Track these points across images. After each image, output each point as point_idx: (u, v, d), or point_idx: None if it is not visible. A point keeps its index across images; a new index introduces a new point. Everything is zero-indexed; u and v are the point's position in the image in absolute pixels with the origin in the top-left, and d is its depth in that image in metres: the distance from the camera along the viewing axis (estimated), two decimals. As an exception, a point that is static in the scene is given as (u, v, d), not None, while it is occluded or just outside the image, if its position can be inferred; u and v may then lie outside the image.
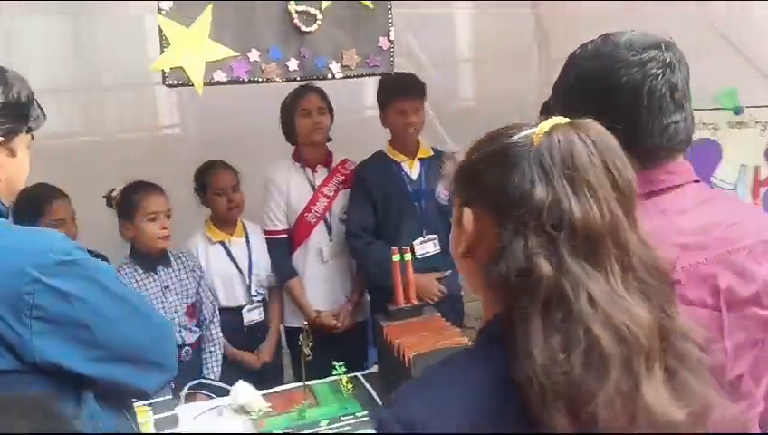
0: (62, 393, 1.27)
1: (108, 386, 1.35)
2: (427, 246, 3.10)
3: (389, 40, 2.63)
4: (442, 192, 3.07)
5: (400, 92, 3.02)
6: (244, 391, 2.34)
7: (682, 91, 1.18)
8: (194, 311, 2.84)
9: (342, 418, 2.24)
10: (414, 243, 3.04)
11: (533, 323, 0.80)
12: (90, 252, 2.37)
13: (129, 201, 2.69)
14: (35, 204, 2.58)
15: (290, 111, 3.11)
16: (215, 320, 2.88)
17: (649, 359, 0.80)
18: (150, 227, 2.67)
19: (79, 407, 1.31)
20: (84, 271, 1.31)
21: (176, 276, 2.78)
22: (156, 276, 2.73)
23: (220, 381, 2.69)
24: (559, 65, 1.28)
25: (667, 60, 1.16)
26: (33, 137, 1.47)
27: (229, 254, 3.01)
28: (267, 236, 3.14)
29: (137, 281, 2.69)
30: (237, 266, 3.00)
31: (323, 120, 3.09)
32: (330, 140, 3.18)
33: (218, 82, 2.49)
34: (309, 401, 2.35)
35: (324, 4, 2.56)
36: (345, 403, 2.34)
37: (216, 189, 2.97)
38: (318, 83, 2.93)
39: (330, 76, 2.59)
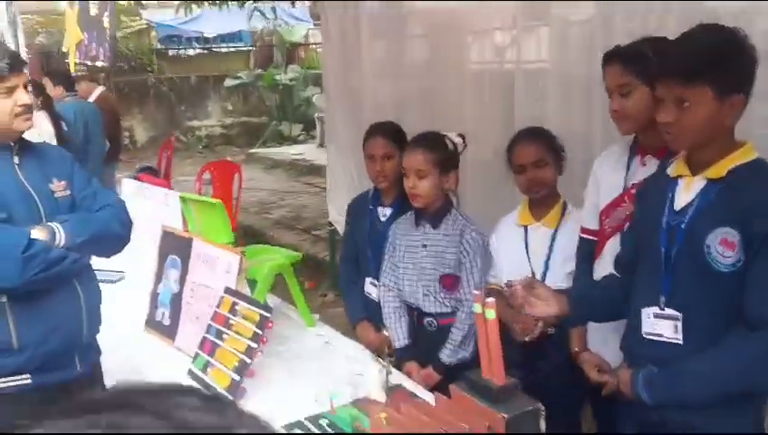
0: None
1: None
2: (659, 326, 1.80)
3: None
4: (716, 245, 1.67)
5: (659, 69, 1.79)
6: (373, 377, 2.00)
7: None
8: (452, 284, 2.55)
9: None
10: (642, 312, 1.84)
11: None
12: None
13: None
14: (364, 139, 2.86)
15: None
16: (465, 305, 2.51)
17: None
18: (406, 182, 2.58)
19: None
20: None
21: (435, 239, 2.57)
22: (417, 231, 2.62)
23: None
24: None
25: None
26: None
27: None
28: (579, 234, 2.44)
29: (405, 228, 2.65)
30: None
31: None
32: None
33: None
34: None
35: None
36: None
37: None
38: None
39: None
